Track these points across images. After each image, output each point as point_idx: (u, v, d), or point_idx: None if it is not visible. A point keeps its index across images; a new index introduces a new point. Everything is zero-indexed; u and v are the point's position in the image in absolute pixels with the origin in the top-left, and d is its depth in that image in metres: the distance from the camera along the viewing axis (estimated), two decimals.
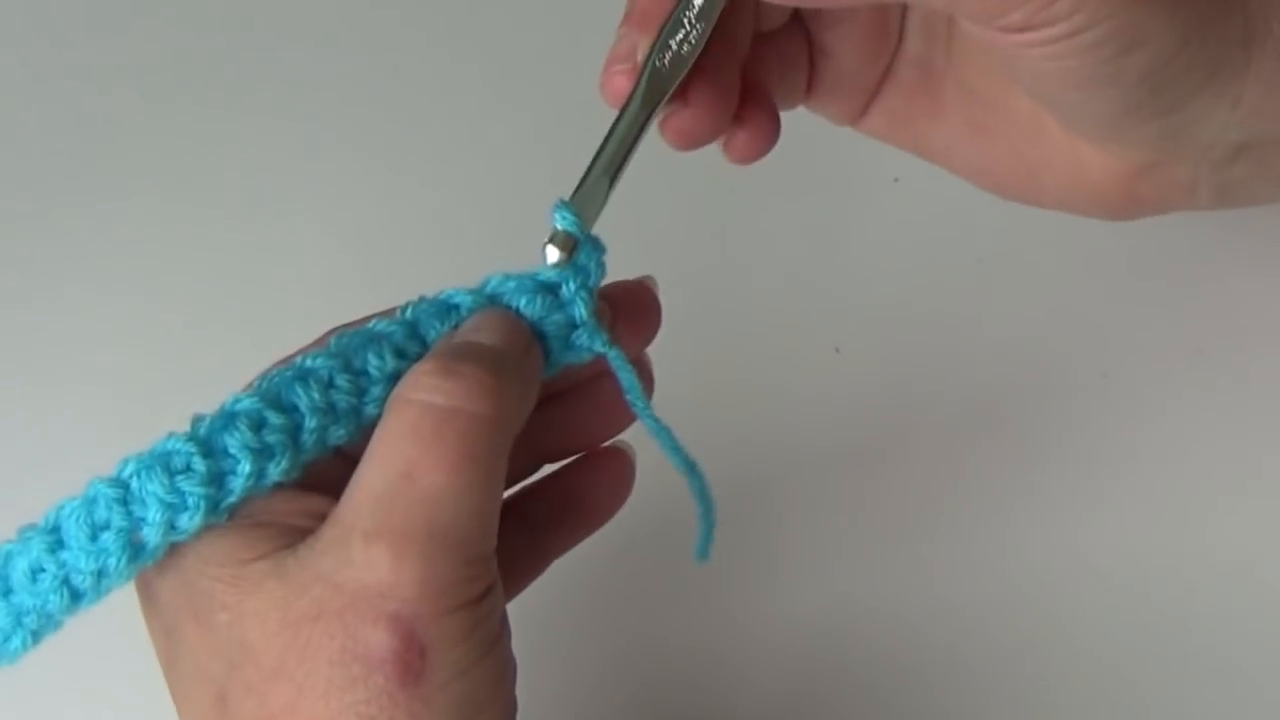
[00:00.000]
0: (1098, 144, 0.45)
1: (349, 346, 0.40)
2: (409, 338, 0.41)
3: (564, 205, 0.41)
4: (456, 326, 0.41)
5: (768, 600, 0.52)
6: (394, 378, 0.39)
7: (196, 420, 0.38)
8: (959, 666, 0.51)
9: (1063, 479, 0.54)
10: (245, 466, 0.37)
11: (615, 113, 0.43)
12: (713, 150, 0.59)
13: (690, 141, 0.44)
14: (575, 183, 0.42)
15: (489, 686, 0.37)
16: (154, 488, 0.37)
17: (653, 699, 0.51)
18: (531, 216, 0.43)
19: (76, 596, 0.37)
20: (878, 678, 0.51)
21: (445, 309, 0.41)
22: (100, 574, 0.37)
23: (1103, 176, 0.46)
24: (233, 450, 0.37)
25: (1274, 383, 0.55)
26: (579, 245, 0.41)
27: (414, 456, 0.36)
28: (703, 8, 0.42)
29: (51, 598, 0.37)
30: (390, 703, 0.35)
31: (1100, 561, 0.53)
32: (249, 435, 0.37)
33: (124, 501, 0.37)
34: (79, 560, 0.37)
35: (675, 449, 0.44)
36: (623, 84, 0.42)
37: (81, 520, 0.37)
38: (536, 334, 0.41)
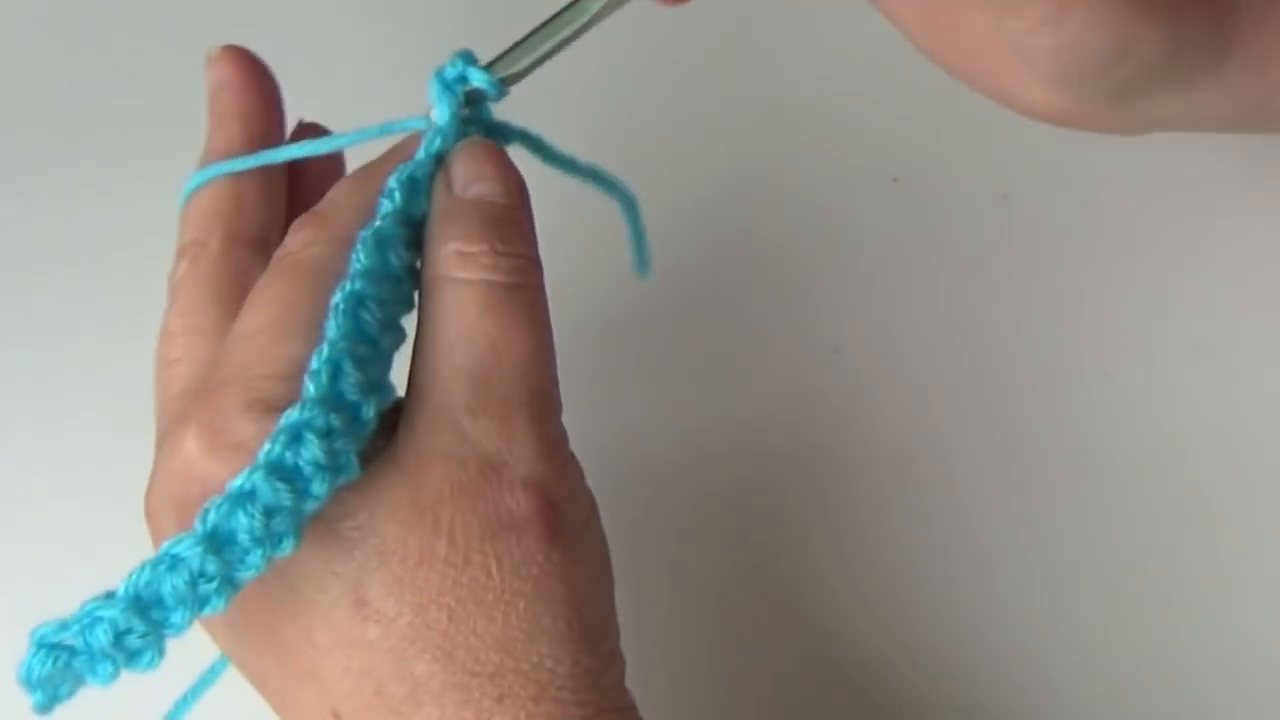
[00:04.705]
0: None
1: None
2: (405, 224, 0.40)
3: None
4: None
5: (767, 597, 0.52)
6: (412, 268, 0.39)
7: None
8: (961, 662, 0.51)
9: (1062, 477, 0.54)
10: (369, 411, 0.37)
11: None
12: (712, 151, 0.59)
13: None
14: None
15: (602, 541, 0.38)
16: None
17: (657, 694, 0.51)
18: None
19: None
20: (878, 675, 0.51)
21: (414, 186, 0.41)
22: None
23: (1049, 104, 0.44)
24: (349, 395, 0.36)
25: (1274, 381, 0.55)
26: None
27: (495, 334, 0.37)
28: None
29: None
30: (544, 559, 0.36)
31: (1101, 559, 0.53)
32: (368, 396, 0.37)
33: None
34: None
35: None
36: None
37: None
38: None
